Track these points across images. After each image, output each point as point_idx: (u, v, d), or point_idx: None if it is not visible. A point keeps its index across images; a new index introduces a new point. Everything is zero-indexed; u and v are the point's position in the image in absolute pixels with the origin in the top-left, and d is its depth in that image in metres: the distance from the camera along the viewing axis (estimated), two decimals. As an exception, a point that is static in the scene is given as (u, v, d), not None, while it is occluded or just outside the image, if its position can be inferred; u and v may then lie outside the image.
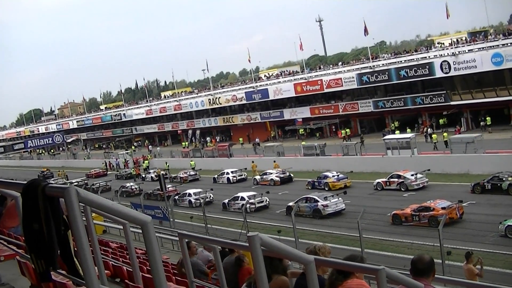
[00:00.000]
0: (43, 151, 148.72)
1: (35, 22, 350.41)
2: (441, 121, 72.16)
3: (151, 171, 78.80)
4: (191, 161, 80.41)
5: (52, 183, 4.50)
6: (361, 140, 67.87)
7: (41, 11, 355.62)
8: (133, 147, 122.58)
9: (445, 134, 63.43)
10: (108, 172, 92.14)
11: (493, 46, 63.92)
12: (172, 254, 26.70)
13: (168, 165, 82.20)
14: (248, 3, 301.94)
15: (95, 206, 4.16)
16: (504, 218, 31.24)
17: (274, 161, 64.96)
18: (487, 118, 67.63)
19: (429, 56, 71.60)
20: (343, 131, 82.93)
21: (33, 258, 4.68)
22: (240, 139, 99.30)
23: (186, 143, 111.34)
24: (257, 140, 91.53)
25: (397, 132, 70.52)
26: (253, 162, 66.41)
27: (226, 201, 49.43)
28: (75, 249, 4.58)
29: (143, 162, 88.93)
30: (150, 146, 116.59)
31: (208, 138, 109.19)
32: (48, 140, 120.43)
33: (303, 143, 74.16)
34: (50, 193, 4.30)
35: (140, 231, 4.01)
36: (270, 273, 5.89)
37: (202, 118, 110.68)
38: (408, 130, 68.56)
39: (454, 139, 53.43)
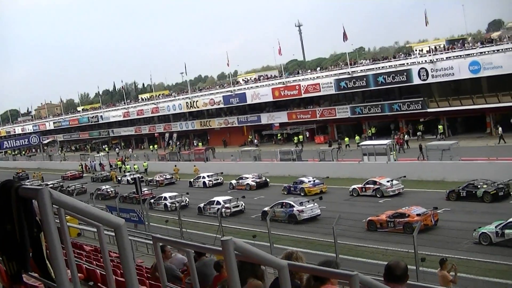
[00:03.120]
0: (19, 152, 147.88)
1: (12, 22, 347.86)
2: (419, 127, 72.95)
3: (127, 174, 78.65)
4: (144, 162, 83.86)
5: (26, 184, 4.47)
6: (339, 146, 68.27)
7: (17, 12, 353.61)
8: (106, 148, 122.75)
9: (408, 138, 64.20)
10: (84, 175, 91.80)
11: (471, 54, 64.37)
12: (147, 258, 26.63)
13: (136, 167, 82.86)
14: (227, 7, 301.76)
15: (69, 208, 4.12)
16: (479, 225, 31.46)
17: (194, 165, 71.70)
18: (439, 127, 69.60)
19: (407, 63, 71.92)
20: (295, 138, 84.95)
21: (4, 260, 4.65)
22: (200, 144, 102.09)
23: (156, 146, 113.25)
24: (255, 141, 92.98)
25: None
26: (195, 166, 72.00)
27: (201, 205, 49.35)
28: (48, 251, 4.54)
29: (119, 164, 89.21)
30: (116, 149, 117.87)
31: (177, 142, 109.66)
32: (24, 141, 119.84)
33: (248, 148, 75.48)
34: (23, 194, 4.27)
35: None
36: (246, 277, 5.89)
37: (179, 121, 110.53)
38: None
39: (430, 146, 53.72)
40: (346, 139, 76.11)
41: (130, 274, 4.05)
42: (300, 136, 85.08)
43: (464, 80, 64.95)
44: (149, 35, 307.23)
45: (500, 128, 61.32)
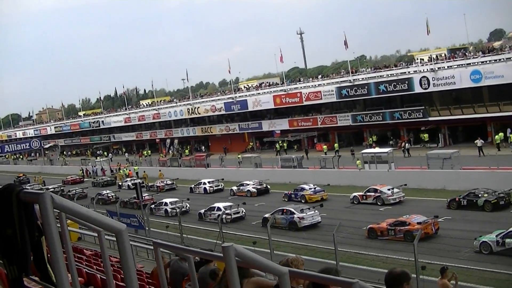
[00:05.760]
0: (20, 156, 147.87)
1: (15, 27, 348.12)
2: (422, 135, 72.95)
3: (128, 179, 78.56)
4: (135, 166, 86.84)
5: (27, 189, 4.47)
6: (352, 153, 68.94)
7: (21, 17, 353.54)
8: (105, 153, 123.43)
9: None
10: (85, 179, 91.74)
11: (472, 63, 64.33)
12: (147, 263, 26.57)
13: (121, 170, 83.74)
14: (229, 14, 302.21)
15: (70, 213, 4.12)
16: (479, 234, 31.46)
17: (160, 170, 76.68)
18: (425, 135, 71.04)
19: (408, 72, 71.78)
20: (277, 145, 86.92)
21: (5, 264, 4.64)
22: (187, 151, 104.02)
23: (149, 152, 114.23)
24: (277, 146, 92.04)
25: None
26: (144, 172, 77.96)
27: (202, 211, 49.29)
28: (49, 255, 4.54)
29: (119, 170, 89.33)
30: (110, 155, 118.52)
31: (179, 148, 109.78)
32: (26, 146, 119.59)
33: (238, 156, 75.12)
34: (24, 198, 4.27)
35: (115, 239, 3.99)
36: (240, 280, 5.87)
37: (180, 127, 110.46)
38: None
39: (431, 155, 53.60)
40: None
41: (131, 279, 4.05)
42: (285, 144, 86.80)
43: (465, 89, 64.84)
44: (151, 41, 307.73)
45: (478, 141, 61.00)
